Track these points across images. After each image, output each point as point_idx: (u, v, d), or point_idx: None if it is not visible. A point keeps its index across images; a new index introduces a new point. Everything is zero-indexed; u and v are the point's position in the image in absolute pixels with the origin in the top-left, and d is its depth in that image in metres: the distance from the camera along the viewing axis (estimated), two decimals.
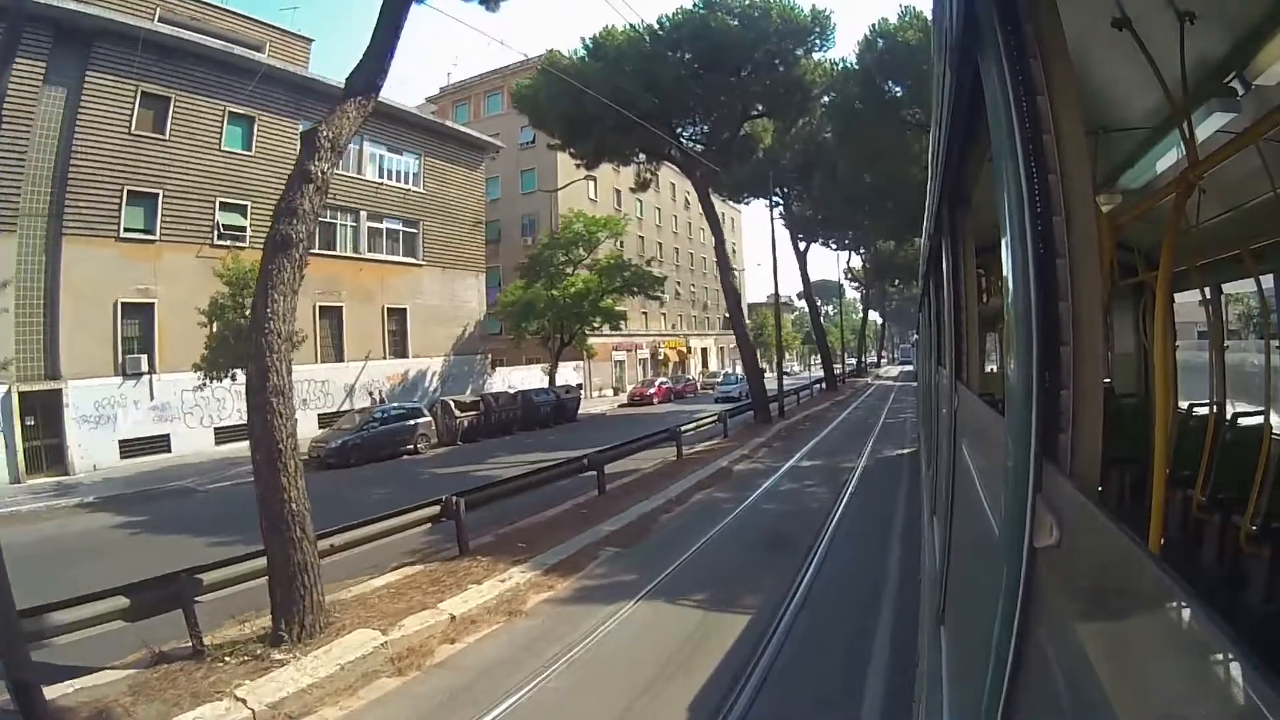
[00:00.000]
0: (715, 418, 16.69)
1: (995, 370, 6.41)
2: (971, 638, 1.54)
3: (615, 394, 35.89)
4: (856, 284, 56.55)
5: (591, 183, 41.34)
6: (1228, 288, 4.67)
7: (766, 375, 23.86)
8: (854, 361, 66.06)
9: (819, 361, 51.85)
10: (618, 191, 45.20)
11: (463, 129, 30.27)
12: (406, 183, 28.69)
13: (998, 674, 1.06)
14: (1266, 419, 3.70)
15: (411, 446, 17.94)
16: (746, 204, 36.63)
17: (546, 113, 21.73)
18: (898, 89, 22.61)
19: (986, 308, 4.39)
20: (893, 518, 8.14)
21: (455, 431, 19.33)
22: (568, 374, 34.90)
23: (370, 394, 21.83)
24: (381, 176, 27.84)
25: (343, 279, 26.18)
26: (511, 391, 24.58)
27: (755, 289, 72.61)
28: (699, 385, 46.19)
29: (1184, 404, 4.57)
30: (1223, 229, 3.51)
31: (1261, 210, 3.13)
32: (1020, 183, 1.01)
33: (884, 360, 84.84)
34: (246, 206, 22.14)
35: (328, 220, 24.76)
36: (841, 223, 40.10)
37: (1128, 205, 3.36)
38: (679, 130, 20.95)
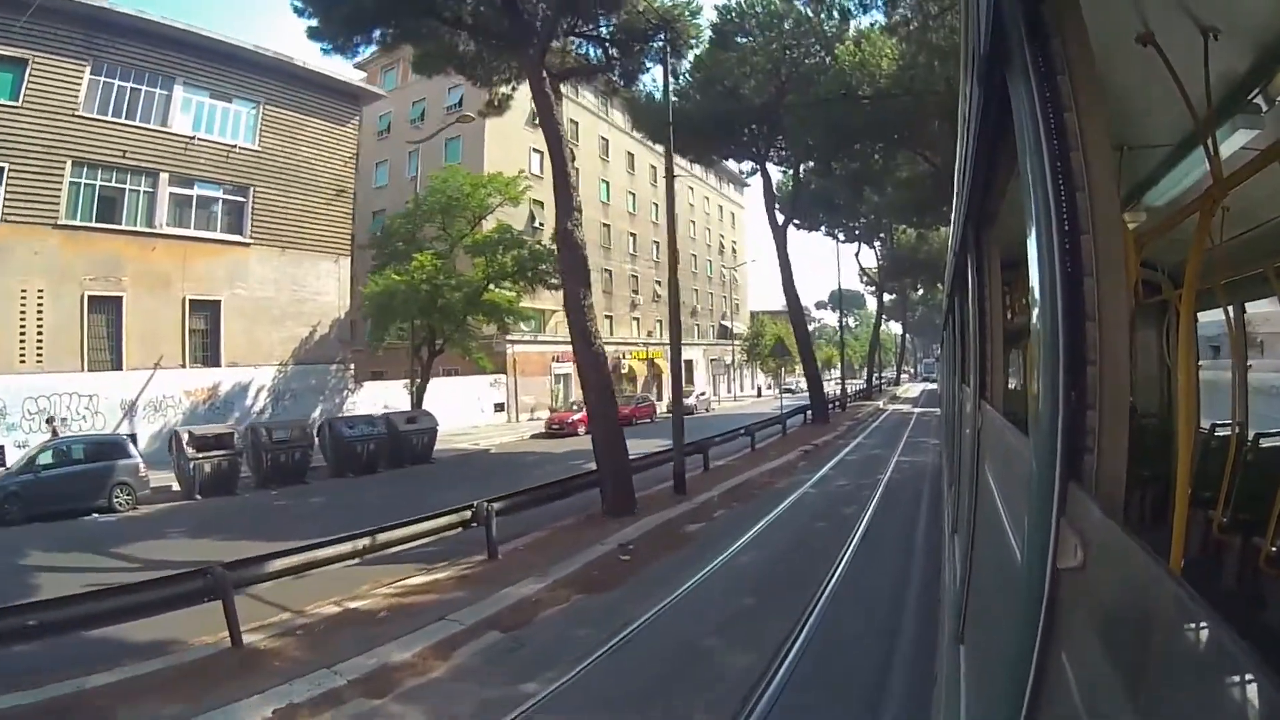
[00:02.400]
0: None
1: (1018, 388, 6.98)
2: (991, 657, 1.65)
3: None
4: (871, 285, 48.31)
5: (536, 155, 34.16)
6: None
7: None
8: (879, 379, 57.04)
9: (837, 376, 44.33)
10: (575, 170, 37.47)
11: (323, 71, 26.14)
12: (235, 137, 24.11)
13: (1017, 694, 1.11)
14: None
15: (105, 502, 14.02)
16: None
17: None
18: None
19: (1010, 325, 4.82)
20: None
21: (192, 480, 15.21)
22: (481, 391, 28.05)
23: (49, 420, 14.80)
24: (199, 128, 23.18)
25: (125, 260, 21.34)
26: (313, 421, 20.50)
27: (757, 294, 65.64)
28: (661, 406, 38.44)
29: (1205, 423, 4.74)
30: (1246, 247, 3.73)
31: None
32: (1048, 200, 1.09)
33: (905, 376, 76.32)
34: (4, 169, 18.33)
35: (107, 183, 21.21)
36: (833, 193, 32.40)
37: (1152, 222, 3.61)
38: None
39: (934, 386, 49.29)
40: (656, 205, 50.68)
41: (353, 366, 25.67)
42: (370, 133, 41.70)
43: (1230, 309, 4.58)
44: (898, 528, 9.96)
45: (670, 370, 16.26)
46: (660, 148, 49.57)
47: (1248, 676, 0.52)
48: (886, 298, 75.21)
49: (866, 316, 72.63)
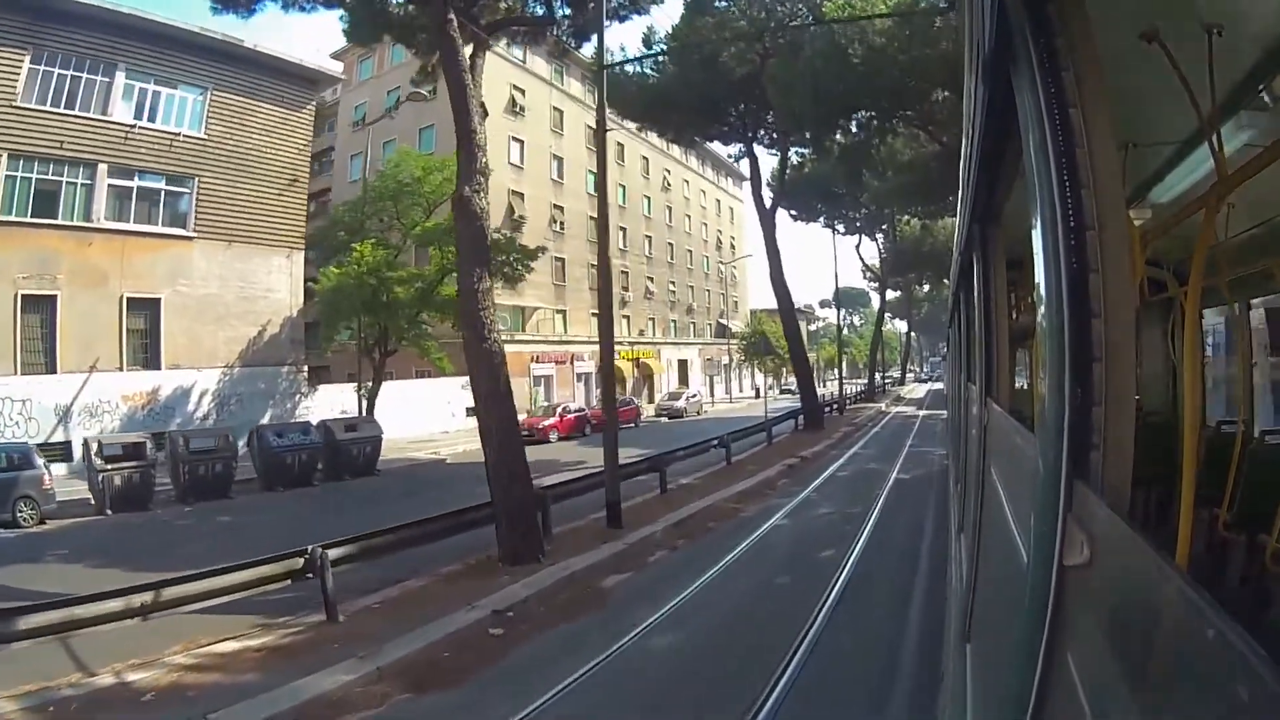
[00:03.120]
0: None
1: (1024, 386, 6.60)
2: (998, 655, 1.71)
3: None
4: (874, 280, 46.99)
5: (516, 145, 33.10)
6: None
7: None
8: (882, 379, 55.68)
9: (834, 377, 42.94)
10: (557, 159, 37.37)
11: (275, 53, 25.48)
12: (179, 125, 23.30)
13: (1024, 691, 1.15)
14: None
15: (9, 516, 13.08)
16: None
17: None
18: None
19: (1016, 324, 4.92)
20: None
21: (103, 493, 14.29)
22: (452, 394, 27.30)
23: None
24: (140, 117, 22.35)
25: (61, 257, 20.54)
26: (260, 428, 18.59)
27: (758, 292, 64.68)
28: (649, 409, 37.55)
29: (1211, 420, 4.89)
30: (1252, 243, 3.88)
31: None
32: (1053, 196, 1.12)
33: (910, 376, 75.04)
34: None
35: (44, 176, 20.40)
36: (829, 180, 35.70)
37: (1157, 220, 3.71)
38: None
39: (940, 386, 47.80)
40: (648, 198, 49.77)
41: (305, 369, 25.00)
42: (345, 124, 40.93)
43: (1236, 306, 4.73)
44: (890, 580, 7.91)
45: (600, 369, 12.92)
46: (652, 137, 48.38)
47: (1254, 674, 0.53)
48: (891, 294, 74.02)
49: (871, 315, 71.30)
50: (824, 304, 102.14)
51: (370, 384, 23.23)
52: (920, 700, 4.63)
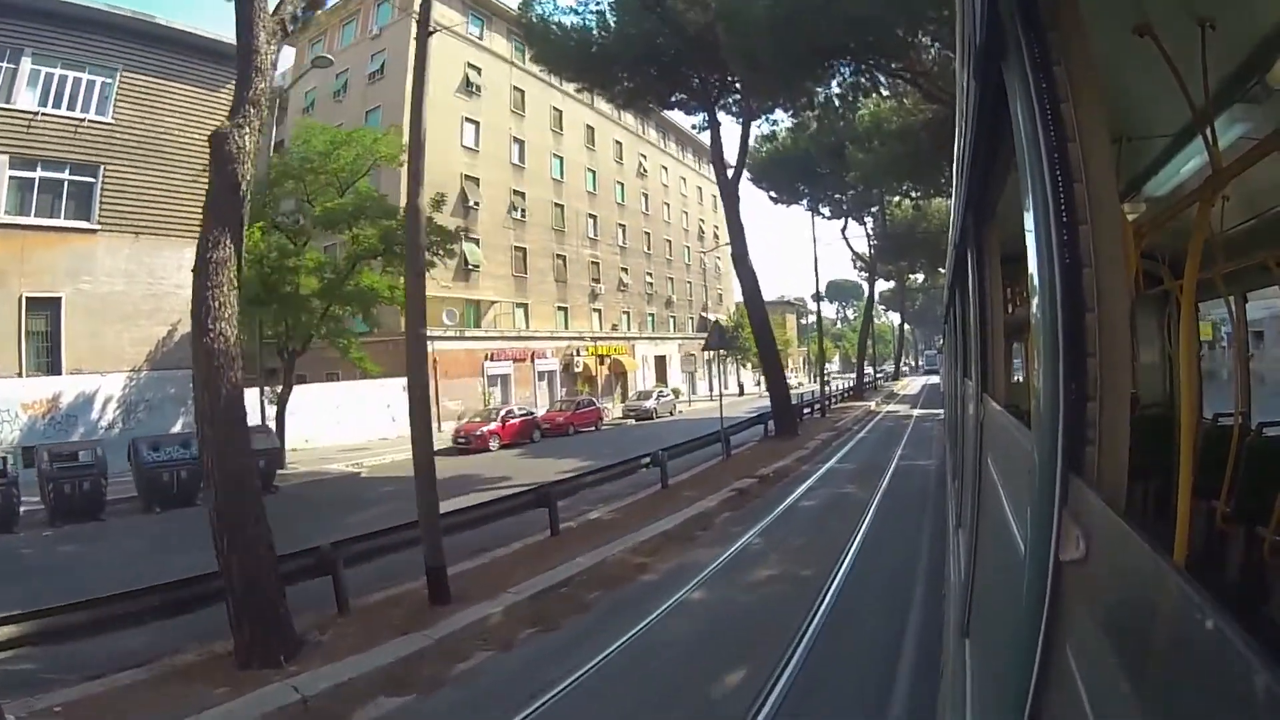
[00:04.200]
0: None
1: (1020, 380, 7.22)
2: (996, 650, 1.78)
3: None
4: (864, 270, 46.18)
5: (471, 126, 32.15)
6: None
7: None
8: (878, 373, 54.81)
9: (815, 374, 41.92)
10: (519, 143, 36.37)
11: (193, 30, 24.49)
12: (86, 110, 22.28)
13: (1022, 687, 1.20)
14: None
15: None
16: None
17: None
18: None
19: (1012, 317, 5.20)
20: None
21: None
22: (392, 396, 26.50)
23: None
24: (45, 103, 21.46)
25: None
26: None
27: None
28: (614, 409, 36.91)
29: (1208, 414, 5.16)
30: (1247, 236, 4.04)
31: None
32: (1045, 191, 1.17)
33: (905, 370, 74.29)
34: None
35: None
36: (811, 159, 35.36)
37: (1152, 213, 3.89)
38: None
39: (937, 380, 46.82)
40: (622, 184, 49.02)
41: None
42: (296, 111, 39.96)
43: (1231, 299, 4.85)
44: None
45: (408, 379, 10.08)
46: (628, 119, 47.18)
47: (1251, 669, 0.55)
48: (884, 285, 73.05)
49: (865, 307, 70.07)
50: (815, 298, 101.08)
51: (290, 387, 22.14)
52: None
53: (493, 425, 25.99)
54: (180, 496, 15.55)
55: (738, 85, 23.49)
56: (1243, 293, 5.01)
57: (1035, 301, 1.24)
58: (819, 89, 23.36)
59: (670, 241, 55.74)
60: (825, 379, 38.41)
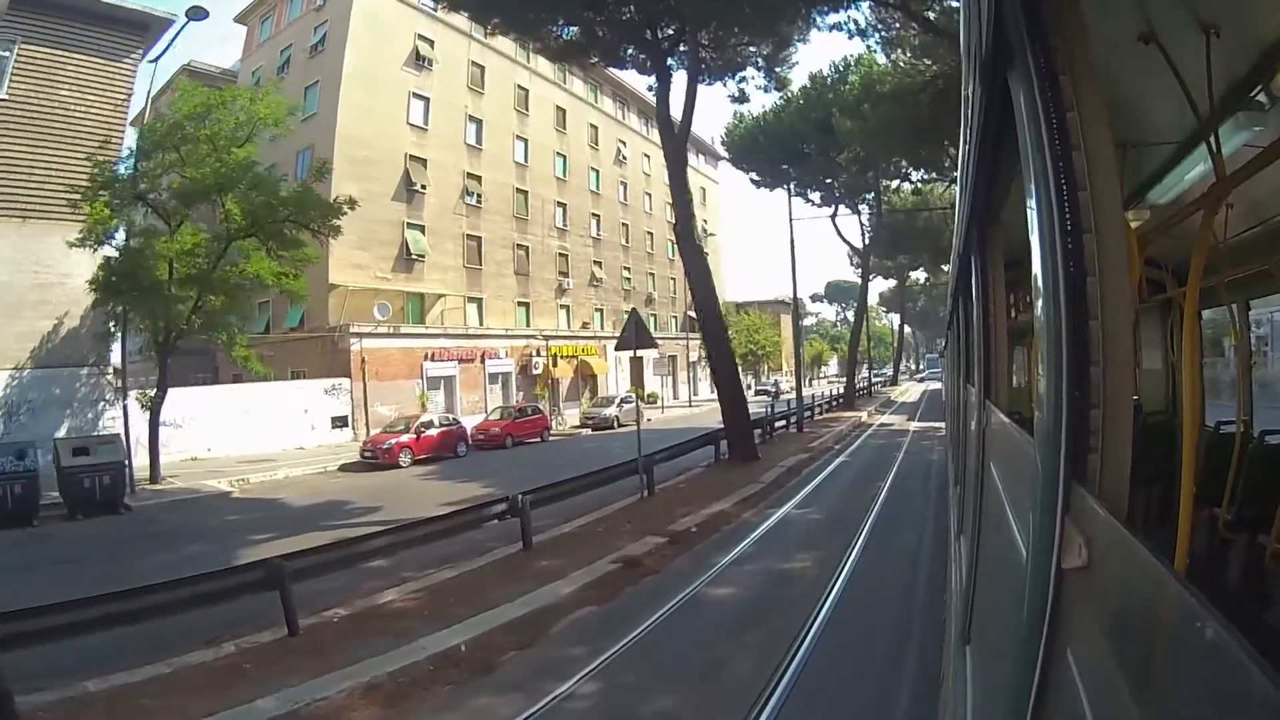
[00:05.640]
0: None
1: (1022, 385, 7.07)
2: (997, 657, 1.85)
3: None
4: (857, 263, 43.20)
5: (420, 103, 29.81)
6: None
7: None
8: (869, 380, 52.04)
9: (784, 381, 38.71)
10: (475, 122, 33.75)
11: None
12: None
13: (1023, 694, 1.24)
14: None
15: None
16: None
17: None
18: None
19: (1016, 323, 5.30)
20: None
21: None
22: (312, 400, 23.84)
23: None
24: None
25: None
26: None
27: (740, 282, 61.54)
28: (573, 417, 34.26)
29: (1210, 421, 5.24)
30: (1251, 244, 4.15)
31: None
32: (1050, 200, 1.22)
33: (905, 375, 71.90)
34: None
35: None
36: (795, 134, 30.80)
37: (1156, 221, 3.97)
38: None
39: (938, 386, 43.83)
40: (597, 171, 46.99)
41: (112, 370, 22.07)
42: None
43: (1234, 306, 5.03)
44: None
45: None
46: (605, 102, 44.40)
47: (1251, 677, 0.57)
48: (885, 284, 70.44)
49: (868, 310, 67.15)
50: (815, 298, 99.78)
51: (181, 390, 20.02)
52: None
53: (406, 438, 23.13)
54: (18, 515, 14.81)
55: (701, 39, 20.64)
56: (1245, 300, 5.13)
57: (1039, 308, 1.31)
58: (795, 37, 21.35)
59: (652, 234, 53.66)
60: (800, 386, 33.31)
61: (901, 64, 24.37)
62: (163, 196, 20.65)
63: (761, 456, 19.58)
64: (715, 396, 56.11)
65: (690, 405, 48.28)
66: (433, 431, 24.70)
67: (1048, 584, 1.15)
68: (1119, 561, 0.96)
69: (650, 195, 54.55)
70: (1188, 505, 2.34)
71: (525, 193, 41.50)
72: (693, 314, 59.12)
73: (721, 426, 20.24)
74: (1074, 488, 1.10)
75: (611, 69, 34.00)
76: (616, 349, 16.70)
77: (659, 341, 52.82)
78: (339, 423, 29.22)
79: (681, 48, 21.04)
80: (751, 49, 22.68)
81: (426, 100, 35.53)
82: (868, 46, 24.73)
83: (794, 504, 14.33)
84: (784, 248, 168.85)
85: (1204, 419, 4.91)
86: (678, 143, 21.00)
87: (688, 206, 20.91)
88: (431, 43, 35.71)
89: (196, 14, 20.77)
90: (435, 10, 35.33)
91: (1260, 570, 3.79)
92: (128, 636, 6.90)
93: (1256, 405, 5.41)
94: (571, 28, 20.51)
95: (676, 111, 20.69)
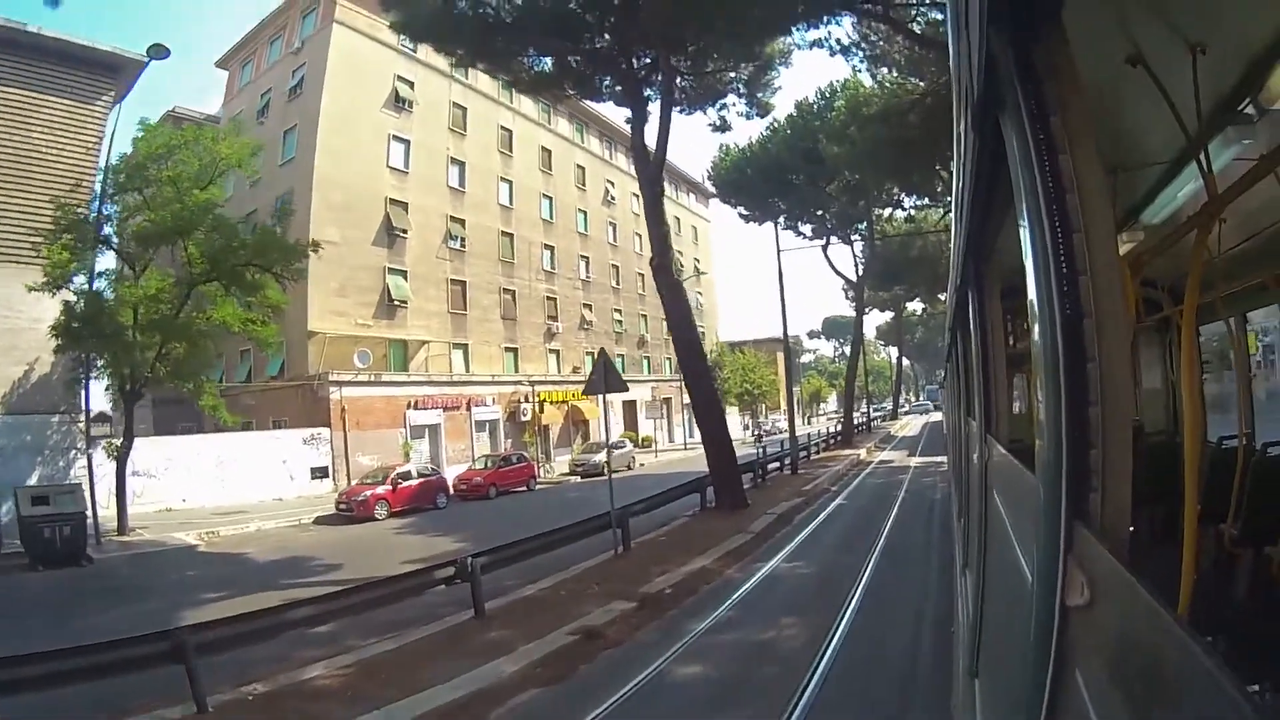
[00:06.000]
0: None
1: (1023, 411, 6.68)
2: (1004, 692, 1.86)
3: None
4: (851, 296, 42.85)
5: (400, 145, 29.63)
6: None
7: None
8: (867, 415, 51.03)
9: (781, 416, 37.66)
10: (459, 164, 33.56)
11: (65, 36, 22.52)
12: None
13: None
14: None
15: None
16: None
17: None
18: None
19: (1015, 350, 5.37)
20: None
21: None
22: (290, 450, 23.30)
23: None
24: None
25: None
26: None
27: (736, 321, 61.32)
28: (558, 461, 33.37)
29: (1212, 437, 5.32)
30: (1245, 257, 4.22)
31: None
32: (1045, 243, 1.24)
33: (904, 408, 71.26)
34: None
35: None
36: (781, 163, 31.27)
37: (1150, 241, 4.05)
38: None
39: (939, 418, 42.85)
40: (584, 213, 46.72)
41: (83, 418, 21.21)
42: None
43: (1232, 321, 5.10)
44: None
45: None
46: (592, 142, 44.15)
47: None
48: (882, 316, 69.85)
49: (866, 344, 66.62)
50: (813, 335, 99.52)
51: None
52: None
53: (382, 489, 22.22)
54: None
55: (678, 64, 20.15)
56: (1242, 313, 5.23)
57: (1037, 347, 1.32)
58: (776, 60, 21.13)
59: (643, 275, 53.22)
60: (794, 423, 32.20)
61: (888, 84, 24.28)
62: (127, 240, 20.40)
63: (751, 503, 18.30)
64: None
65: (685, 448, 47.49)
66: (411, 482, 24.02)
67: (1052, 620, 1.18)
68: (1120, 601, 0.99)
69: (640, 235, 54.17)
70: (1192, 523, 2.40)
71: (511, 235, 41.38)
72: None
73: (690, 479, 18.64)
74: (1076, 527, 1.13)
75: (590, 102, 34.15)
76: (584, 393, 15.56)
77: (655, 384, 52.75)
78: (319, 473, 28.75)
79: (658, 77, 20.66)
80: (731, 75, 22.46)
81: (407, 143, 35.66)
82: (853, 67, 24.84)
83: (783, 556, 13.14)
84: (775, 284, 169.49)
85: (1206, 435, 5.03)
86: (652, 171, 20.06)
87: (664, 239, 19.74)
88: (411, 84, 35.96)
89: (158, 52, 20.67)
90: (414, 51, 35.51)
91: (1268, 582, 3.84)
92: (23, 705, 6.46)
93: (1269, 418, 5.57)
94: (544, 59, 20.32)
95: (653, 141, 20.36)
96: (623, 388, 14.81)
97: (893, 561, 11.86)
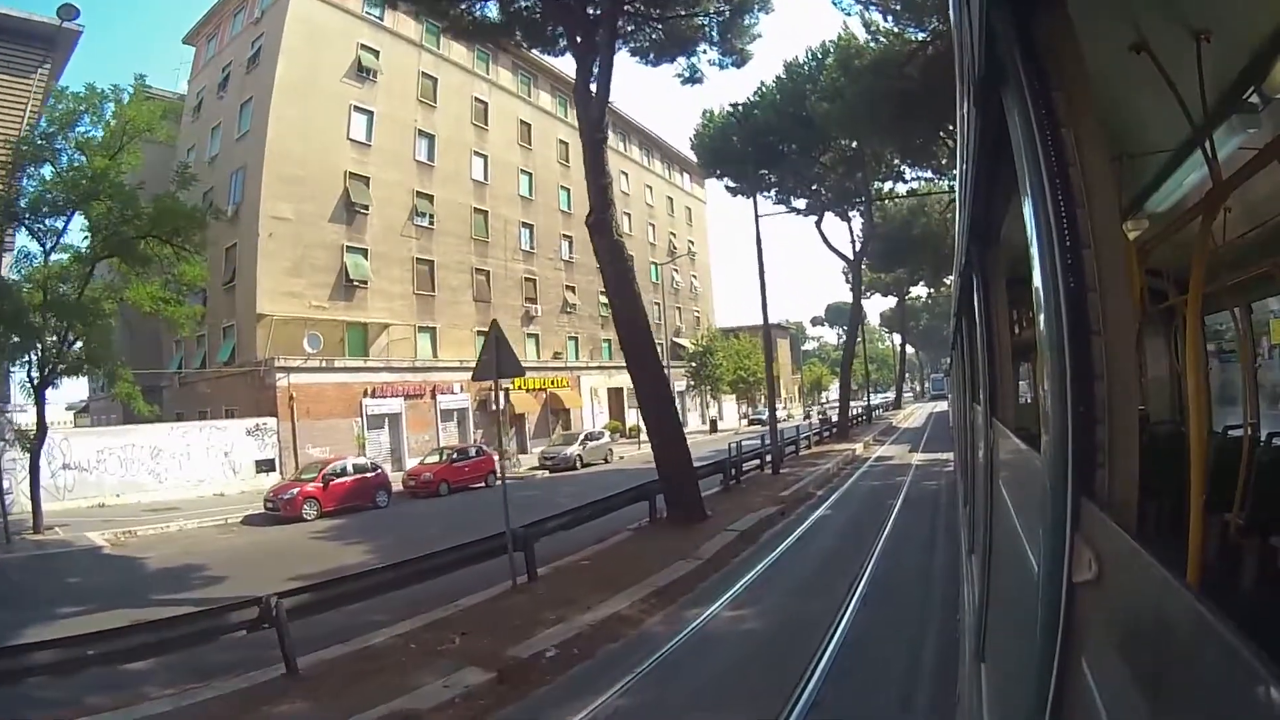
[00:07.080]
0: None
1: (1028, 399, 7.13)
2: (1012, 673, 1.88)
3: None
4: (848, 276, 41.31)
5: (362, 117, 28.08)
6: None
7: None
8: (867, 406, 49.33)
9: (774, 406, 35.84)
10: (427, 137, 31.86)
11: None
12: None
13: (1039, 708, 1.26)
14: None
15: None
16: None
17: None
18: None
19: (1019, 339, 5.36)
20: None
21: None
22: (233, 441, 22.22)
23: None
24: None
25: None
26: None
27: (733, 307, 59.62)
28: (530, 458, 32.00)
29: (1218, 426, 5.35)
30: (1250, 246, 4.23)
31: None
32: (1048, 217, 1.23)
33: (909, 397, 69.88)
34: None
35: None
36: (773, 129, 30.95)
37: (1155, 230, 4.07)
38: None
39: (945, 408, 41.03)
40: (568, 190, 44.99)
41: (8, 412, 20.77)
42: (189, 112, 36.46)
43: (1237, 310, 5.16)
44: None
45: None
46: (573, 116, 42.88)
47: (1265, 686, 0.59)
48: (885, 301, 68.02)
49: (870, 332, 64.66)
50: (816, 321, 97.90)
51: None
52: None
53: (311, 486, 21.51)
54: None
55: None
56: (1247, 303, 5.23)
57: (1041, 325, 1.32)
58: (755, 3, 19.13)
59: (632, 257, 50.83)
60: (774, 417, 25.84)
61: (883, 34, 22.53)
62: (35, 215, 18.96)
63: (713, 513, 15.44)
64: (704, 428, 54.44)
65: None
66: (345, 479, 22.13)
67: (1059, 598, 1.18)
68: (1129, 574, 0.99)
69: (629, 216, 52.96)
70: (1198, 512, 2.43)
71: (485, 213, 40.13)
72: (678, 340, 57.33)
73: (647, 481, 15.78)
74: (1082, 502, 1.14)
75: (540, 52, 31.01)
76: (473, 379, 13.61)
77: None
78: (265, 466, 27.53)
79: (619, 22, 18.71)
80: (701, 21, 20.39)
81: (370, 114, 34.42)
82: (843, 10, 22.57)
83: (730, 599, 9.74)
84: (777, 269, 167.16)
85: (1212, 424, 5.06)
86: (594, 114, 17.45)
87: (604, 192, 16.95)
88: (376, 53, 34.69)
89: (68, 14, 19.16)
90: (381, 19, 33.76)
91: (1274, 572, 3.90)
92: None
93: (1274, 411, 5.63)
94: (487, 3, 18.56)
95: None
96: (519, 371, 12.30)
97: (878, 607, 8.74)
